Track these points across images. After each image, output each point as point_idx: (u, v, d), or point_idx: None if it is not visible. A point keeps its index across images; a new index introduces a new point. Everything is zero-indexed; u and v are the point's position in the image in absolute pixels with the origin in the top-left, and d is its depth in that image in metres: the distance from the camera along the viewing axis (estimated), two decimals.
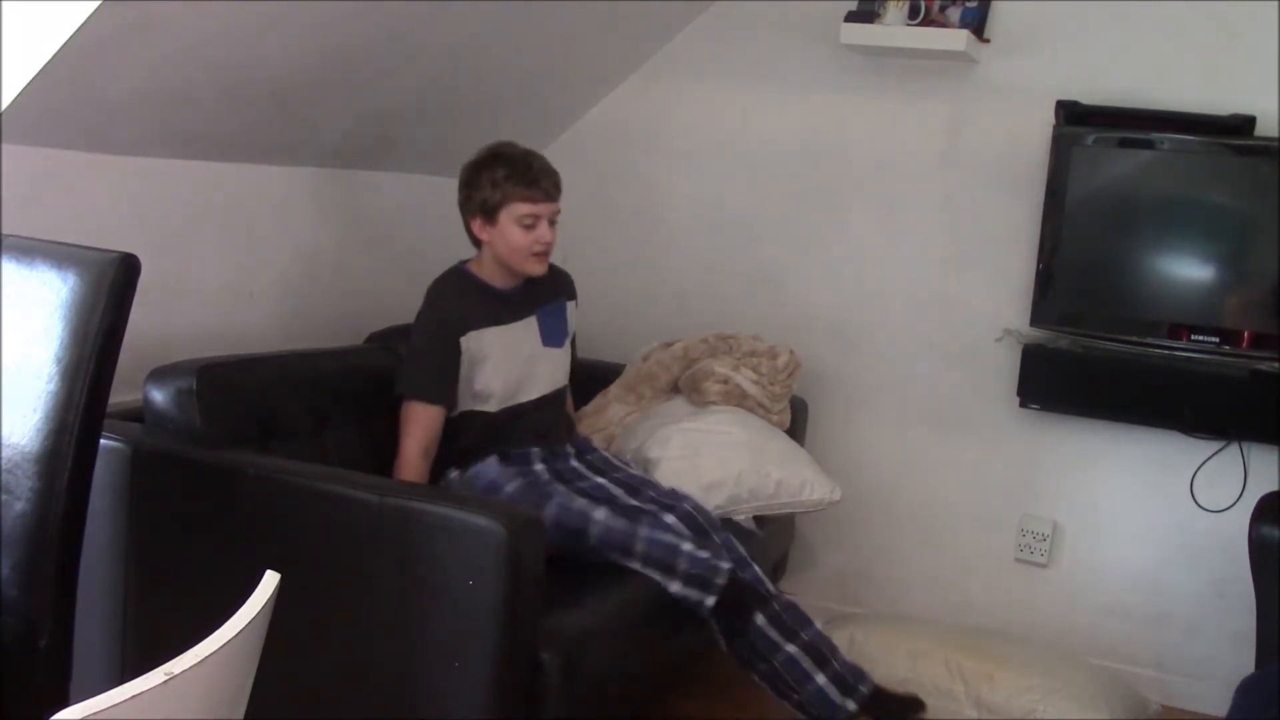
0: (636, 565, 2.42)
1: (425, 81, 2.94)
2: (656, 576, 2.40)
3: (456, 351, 2.57)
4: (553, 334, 2.73)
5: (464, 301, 2.63)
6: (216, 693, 1.13)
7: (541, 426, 2.68)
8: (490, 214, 2.56)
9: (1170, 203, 3.06)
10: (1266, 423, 2.91)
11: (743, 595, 2.45)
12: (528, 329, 2.68)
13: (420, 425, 2.52)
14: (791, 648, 2.45)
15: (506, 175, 2.54)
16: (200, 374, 2.29)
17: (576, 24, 3.12)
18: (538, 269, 2.62)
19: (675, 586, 2.39)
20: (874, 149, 3.37)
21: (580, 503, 2.49)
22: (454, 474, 2.58)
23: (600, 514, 2.46)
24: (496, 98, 3.24)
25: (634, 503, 2.56)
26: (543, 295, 2.73)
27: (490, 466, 2.56)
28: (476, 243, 2.63)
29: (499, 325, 2.63)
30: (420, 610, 2.07)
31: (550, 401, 2.72)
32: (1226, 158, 2.98)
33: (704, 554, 2.42)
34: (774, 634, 2.45)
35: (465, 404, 2.62)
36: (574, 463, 2.71)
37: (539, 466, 2.63)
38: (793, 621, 2.48)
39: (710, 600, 2.39)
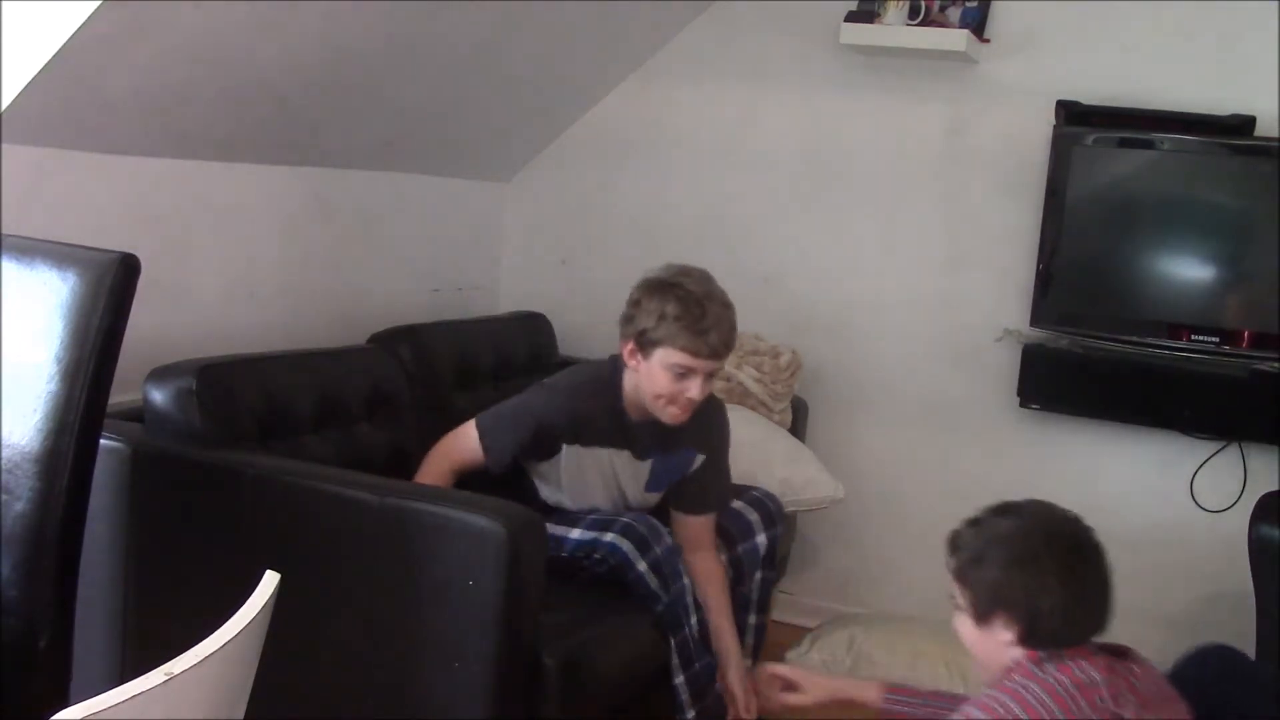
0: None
1: (425, 81, 2.94)
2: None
3: (546, 448, 2.42)
4: (660, 481, 2.53)
5: (589, 415, 2.42)
6: (216, 693, 1.13)
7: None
8: (645, 348, 2.31)
9: (1170, 203, 3.06)
10: (1266, 423, 2.91)
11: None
12: (635, 468, 2.49)
13: (461, 452, 2.43)
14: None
15: (676, 315, 2.27)
16: (200, 374, 2.29)
17: (576, 24, 3.12)
18: (670, 419, 2.36)
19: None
20: (874, 149, 3.37)
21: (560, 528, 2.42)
22: None
23: (575, 533, 2.41)
24: (496, 98, 3.24)
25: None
26: (671, 441, 2.48)
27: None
28: (623, 360, 2.41)
29: (607, 449, 2.45)
30: (420, 610, 2.07)
31: (652, 514, 2.54)
32: (1226, 158, 2.98)
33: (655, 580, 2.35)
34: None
35: (538, 482, 2.51)
36: None
37: None
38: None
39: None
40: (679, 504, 2.57)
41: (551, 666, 2.10)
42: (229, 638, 1.11)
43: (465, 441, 2.45)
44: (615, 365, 2.44)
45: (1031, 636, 1.69)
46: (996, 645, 1.72)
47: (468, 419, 2.51)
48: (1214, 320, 2.96)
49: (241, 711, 1.23)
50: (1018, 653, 1.71)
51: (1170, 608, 3.15)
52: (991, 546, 1.72)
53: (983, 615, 1.72)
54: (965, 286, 3.30)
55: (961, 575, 1.75)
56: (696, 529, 2.53)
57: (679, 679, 2.37)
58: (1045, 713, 1.62)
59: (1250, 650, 2.56)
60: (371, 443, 2.62)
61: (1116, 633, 3.25)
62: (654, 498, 2.57)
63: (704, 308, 2.28)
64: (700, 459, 2.54)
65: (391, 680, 2.09)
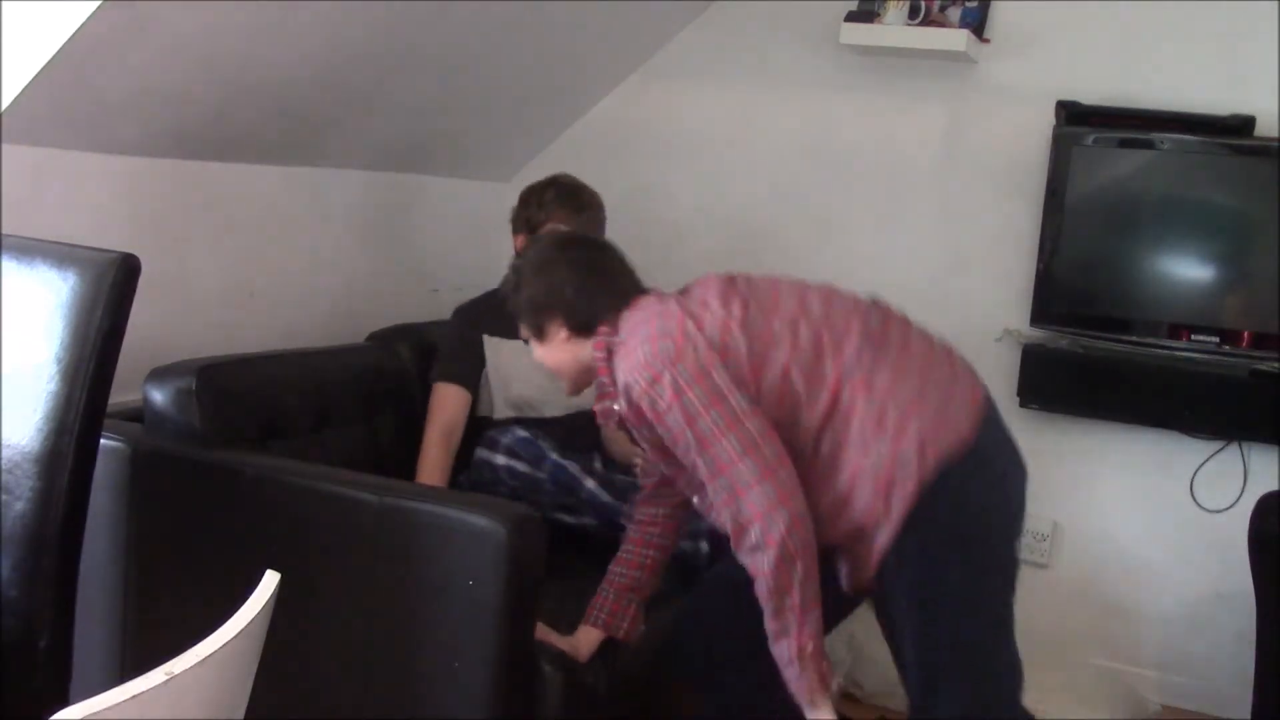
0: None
1: (425, 81, 2.94)
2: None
3: (479, 341, 2.65)
4: None
5: (488, 318, 2.66)
6: (216, 693, 1.13)
7: (569, 440, 2.62)
8: (533, 230, 2.61)
9: (1170, 203, 3.06)
10: (1266, 423, 2.91)
11: None
12: None
13: (439, 405, 2.62)
14: None
15: (554, 196, 2.63)
16: (200, 374, 2.29)
17: (576, 24, 3.12)
18: None
19: None
20: (874, 149, 3.36)
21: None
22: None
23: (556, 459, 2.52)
24: (496, 98, 3.24)
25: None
26: None
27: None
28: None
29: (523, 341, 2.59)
30: (420, 610, 2.07)
31: (580, 417, 2.60)
32: (1226, 158, 2.98)
33: None
34: None
35: (496, 410, 2.65)
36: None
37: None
38: None
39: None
40: None
41: (553, 680, 2.11)
42: (229, 638, 1.11)
43: (435, 395, 2.62)
44: (493, 292, 2.65)
45: (577, 324, 1.94)
46: (562, 348, 1.96)
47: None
48: (1214, 320, 2.96)
49: (241, 711, 1.23)
50: (583, 344, 1.94)
51: (1170, 608, 3.15)
52: (520, 273, 2.01)
53: (537, 329, 1.98)
54: (965, 287, 3.30)
55: (514, 310, 2.01)
56: None
57: None
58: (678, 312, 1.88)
59: (1250, 650, 2.56)
60: (371, 443, 2.62)
61: (1116, 632, 3.25)
62: None
63: (580, 187, 2.69)
64: None
65: (391, 680, 2.09)
